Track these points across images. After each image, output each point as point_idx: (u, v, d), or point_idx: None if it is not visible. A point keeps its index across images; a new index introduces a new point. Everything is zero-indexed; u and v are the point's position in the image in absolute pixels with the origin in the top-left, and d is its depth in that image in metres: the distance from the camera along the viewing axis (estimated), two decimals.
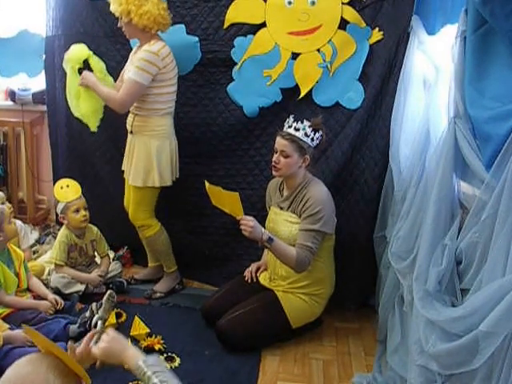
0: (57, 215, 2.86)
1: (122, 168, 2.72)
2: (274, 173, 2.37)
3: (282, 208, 2.42)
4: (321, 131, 2.31)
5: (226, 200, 2.23)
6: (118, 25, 2.53)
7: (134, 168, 2.56)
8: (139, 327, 2.33)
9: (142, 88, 2.42)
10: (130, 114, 2.59)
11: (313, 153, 2.34)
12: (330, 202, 2.34)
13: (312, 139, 2.29)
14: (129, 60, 2.62)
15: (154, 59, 2.40)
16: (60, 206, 2.71)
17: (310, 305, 2.38)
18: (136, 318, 2.37)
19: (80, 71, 2.54)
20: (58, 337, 2.14)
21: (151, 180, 2.54)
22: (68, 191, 2.71)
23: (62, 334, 2.17)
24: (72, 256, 2.75)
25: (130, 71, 2.45)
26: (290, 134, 2.27)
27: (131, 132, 2.60)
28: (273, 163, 2.33)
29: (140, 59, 2.40)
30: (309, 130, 2.27)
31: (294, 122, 2.28)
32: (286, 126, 2.31)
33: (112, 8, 2.45)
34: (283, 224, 2.37)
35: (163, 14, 2.45)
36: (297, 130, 2.27)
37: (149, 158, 2.52)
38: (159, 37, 2.51)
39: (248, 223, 2.17)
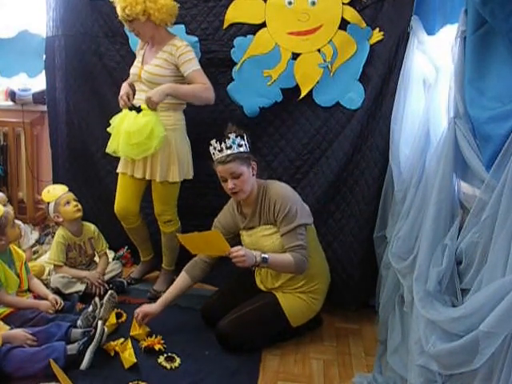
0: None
1: (122, 170, 2.69)
2: (236, 198, 2.33)
3: (252, 228, 2.37)
4: (244, 134, 2.26)
5: (206, 242, 2.17)
6: (128, 28, 2.51)
7: (160, 164, 2.55)
8: (139, 327, 2.33)
9: None
10: None
11: (253, 156, 2.30)
12: (294, 194, 2.32)
13: (245, 145, 2.25)
14: (144, 59, 2.56)
15: (190, 48, 2.48)
16: (51, 206, 2.73)
17: (308, 302, 2.38)
18: None
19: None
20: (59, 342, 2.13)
21: (178, 174, 2.56)
22: (55, 191, 2.77)
23: (64, 339, 2.14)
24: (71, 256, 2.75)
25: (187, 68, 2.44)
26: (228, 155, 2.21)
27: None
28: (230, 191, 2.27)
29: (184, 53, 2.44)
30: (239, 140, 2.22)
31: (220, 144, 2.22)
32: (217, 151, 2.23)
33: (125, 12, 2.38)
34: (262, 240, 2.32)
35: (174, 4, 2.49)
36: (229, 147, 2.21)
37: (171, 153, 2.53)
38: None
39: (238, 253, 2.12)
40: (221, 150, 2.23)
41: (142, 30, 2.48)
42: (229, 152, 2.22)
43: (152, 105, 2.41)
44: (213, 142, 2.25)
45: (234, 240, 2.44)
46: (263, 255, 2.18)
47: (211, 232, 2.18)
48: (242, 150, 2.23)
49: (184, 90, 2.48)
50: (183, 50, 2.45)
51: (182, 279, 2.42)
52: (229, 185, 2.25)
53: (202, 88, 2.47)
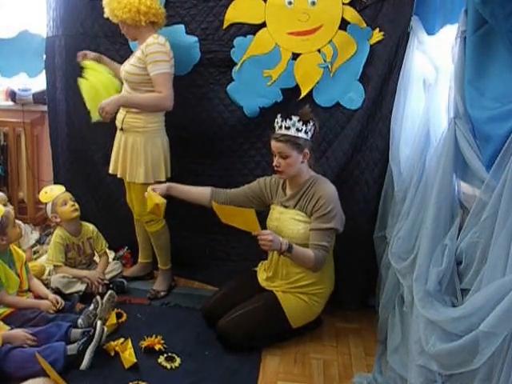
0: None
1: (111, 167, 2.71)
2: (279, 176, 2.38)
3: (286, 207, 2.40)
4: (311, 121, 2.28)
5: (238, 217, 2.17)
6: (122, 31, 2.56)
7: (129, 165, 2.56)
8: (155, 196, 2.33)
9: (171, 76, 2.45)
10: (120, 111, 2.56)
11: (311, 145, 2.32)
12: (338, 199, 2.34)
13: (305, 132, 2.26)
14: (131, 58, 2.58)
15: (162, 49, 2.41)
16: (49, 207, 2.74)
17: (309, 304, 2.38)
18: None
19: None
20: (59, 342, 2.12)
21: (144, 176, 2.53)
22: (52, 191, 2.77)
23: (64, 339, 2.14)
24: (70, 256, 2.75)
25: (152, 70, 2.40)
26: (282, 135, 2.25)
27: (121, 129, 2.59)
28: (275, 168, 2.32)
29: (152, 53, 2.39)
30: (299, 125, 2.24)
31: (282, 121, 2.26)
32: (277, 127, 2.28)
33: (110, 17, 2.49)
34: (289, 222, 2.35)
35: (150, 6, 2.41)
36: (287, 128, 2.24)
37: (139, 155, 2.52)
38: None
39: (267, 237, 2.12)
40: (280, 127, 2.27)
41: (124, 31, 2.53)
42: (285, 132, 2.25)
43: (105, 114, 2.40)
44: (278, 116, 2.29)
45: (258, 206, 2.45)
46: (289, 244, 2.18)
47: (247, 210, 2.15)
48: (299, 135, 2.24)
49: (136, 100, 2.47)
50: (151, 49, 2.39)
51: (203, 189, 2.48)
52: (275, 161, 2.30)
53: (155, 99, 2.44)
